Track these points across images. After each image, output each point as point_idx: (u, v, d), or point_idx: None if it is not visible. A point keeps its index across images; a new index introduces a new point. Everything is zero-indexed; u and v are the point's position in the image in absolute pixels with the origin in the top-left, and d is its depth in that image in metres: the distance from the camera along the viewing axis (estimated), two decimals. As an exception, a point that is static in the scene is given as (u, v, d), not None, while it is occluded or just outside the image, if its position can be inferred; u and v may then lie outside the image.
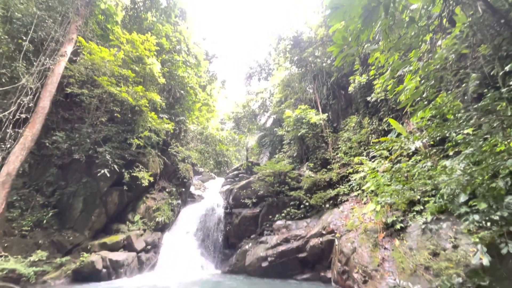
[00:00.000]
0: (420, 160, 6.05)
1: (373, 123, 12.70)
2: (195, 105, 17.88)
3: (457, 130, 4.90)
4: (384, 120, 11.98)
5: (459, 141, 4.72)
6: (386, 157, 10.24)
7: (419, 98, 4.57)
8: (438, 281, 5.31)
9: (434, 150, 6.76)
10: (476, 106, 3.75)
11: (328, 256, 9.95)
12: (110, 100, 12.29)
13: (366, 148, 12.55)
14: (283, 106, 19.48)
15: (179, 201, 15.34)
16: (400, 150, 9.31)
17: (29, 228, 9.54)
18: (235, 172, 21.87)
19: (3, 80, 10.00)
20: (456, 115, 4.41)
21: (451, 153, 5.85)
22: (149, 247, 11.75)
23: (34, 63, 10.65)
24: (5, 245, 8.65)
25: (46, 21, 11.15)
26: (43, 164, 11.04)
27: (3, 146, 9.33)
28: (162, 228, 13.27)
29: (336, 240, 9.67)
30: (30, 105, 10.08)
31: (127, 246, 10.90)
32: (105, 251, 10.10)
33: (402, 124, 10.65)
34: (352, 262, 8.25)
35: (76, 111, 12.28)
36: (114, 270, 9.66)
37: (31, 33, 10.48)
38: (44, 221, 9.97)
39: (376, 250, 8.04)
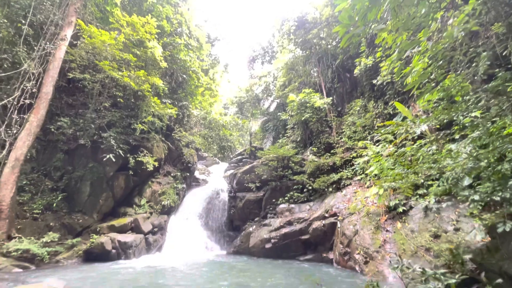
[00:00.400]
0: (425, 144, 5.98)
1: (378, 107, 12.51)
2: (198, 90, 17.72)
3: (464, 113, 4.80)
4: (389, 103, 11.77)
5: (466, 124, 4.63)
6: (391, 141, 10.15)
7: (426, 80, 4.44)
8: (440, 260, 5.41)
9: (440, 134, 6.66)
10: (485, 87, 3.63)
11: (330, 238, 10.16)
12: (112, 85, 12.22)
13: (371, 132, 12.44)
14: (286, 90, 19.21)
15: (184, 185, 15.60)
16: (405, 134, 9.22)
17: (40, 211, 9.85)
18: (239, 157, 22.00)
19: (5, 66, 9.96)
20: (465, 97, 4.30)
21: (457, 137, 5.77)
22: (156, 229, 12.10)
23: (35, 48, 10.54)
24: (18, 227, 8.98)
25: (45, 3, 10.90)
26: (50, 149, 11.20)
27: (9, 131, 9.45)
28: (168, 211, 13.60)
29: (338, 222, 9.83)
30: (33, 91, 10.09)
31: (135, 228, 11.23)
32: (113, 233, 10.44)
33: (408, 107, 10.46)
34: (354, 244, 8.42)
35: (79, 96, 12.27)
36: (123, 251, 10.02)
37: (30, 16, 10.29)
38: (54, 205, 10.26)
39: (377, 232, 8.17)
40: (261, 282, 7.01)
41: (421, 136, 8.10)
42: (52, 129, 10.80)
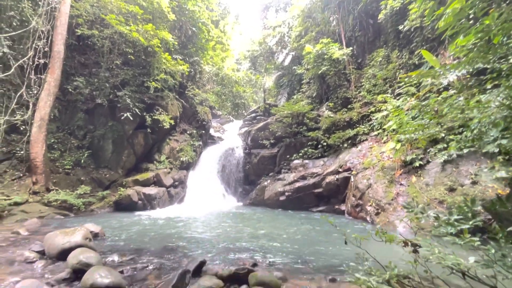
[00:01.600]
0: (451, 96, 5.56)
1: (403, 57, 11.52)
2: (209, 44, 16.92)
3: (501, 61, 4.31)
4: (415, 52, 10.77)
5: (502, 72, 4.18)
6: (413, 94, 9.57)
7: (462, 20, 3.90)
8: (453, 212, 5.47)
9: (471, 81, 6.14)
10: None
11: (343, 191, 10.44)
12: (121, 41, 11.88)
13: (392, 85, 11.72)
14: (303, 41, 17.91)
15: (200, 143, 16.04)
16: (430, 86, 8.59)
17: (70, 167, 10.66)
18: (253, 115, 21.86)
19: (14, 24, 9.81)
20: (505, 40, 3.79)
21: (489, 87, 5.30)
22: (176, 183, 12.90)
23: (39, 3, 10.18)
24: (54, 181, 9.86)
25: (41, -50, 10.13)
26: (70, 109, 11.59)
27: (30, 92, 9.75)
28: (186, 167, 14.28)
29: (352, 177, 9.97)
30: (45, 50, 10.06)
31: (157, 182, 12.02)
32: (138, 187, 11.27)
33: (437, 56, 9.56)
34: (366, 197, 8.64)
35: (91, 55, 12.15)
36: (148, 202, 10.92)
37: (29, -33, 9.70)
38: (82, 161, 11.02)
39: (391, 186, 8.26)
40: (278, 227, 7.54)
41: (448, 88, 7.52)
42: (70, 89, 11.02)
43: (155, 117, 12.48)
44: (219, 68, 18.39)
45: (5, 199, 7.89)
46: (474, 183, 6.52)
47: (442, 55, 9.55)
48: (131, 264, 4.00)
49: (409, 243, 2.26)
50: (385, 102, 10.77)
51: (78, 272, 3.41)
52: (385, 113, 10.20)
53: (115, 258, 4.24)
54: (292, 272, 3.90)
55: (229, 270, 3.56)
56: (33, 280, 3.10)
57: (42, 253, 4.30)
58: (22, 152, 9.52)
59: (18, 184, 9.15)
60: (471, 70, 4.37)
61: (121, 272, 3.59)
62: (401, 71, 11.36)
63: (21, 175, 9.43)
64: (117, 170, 11.95)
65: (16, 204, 8.14)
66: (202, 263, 3.85)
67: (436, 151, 7.75)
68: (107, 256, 4.33)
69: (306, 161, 12.76)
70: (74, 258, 3.60)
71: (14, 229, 5.96)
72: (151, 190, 11.23)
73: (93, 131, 11.83)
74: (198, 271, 3.69)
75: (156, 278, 3.50)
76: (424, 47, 10.17)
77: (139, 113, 11.82)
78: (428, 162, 7.87)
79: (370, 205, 8.33)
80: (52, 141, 10.59)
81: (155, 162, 13.18)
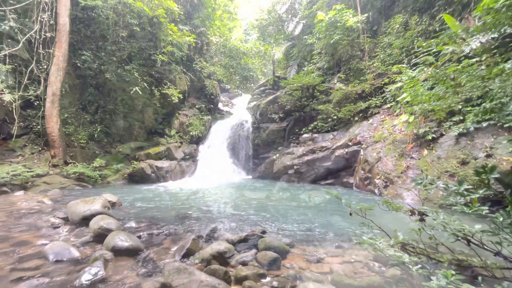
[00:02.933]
0: (472, 64, 5.23)
1: (423, 23, 10.74)
2: (215, 13, 16.21)
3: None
4: (437, 18, 10.00)
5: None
6: (431, 64, 9.05)
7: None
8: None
9: (494, 50, 5.72)
10: None
11: (352, 165, 10.46)
12: (126, 11, 11.53)
13: (408, 54, 11.08)
14: (314, 8, 16.87)
15: (209, 117, 16.07)
16: (450, 54, 8.07)
17: (85, 141, 11.01)
18: (262, 88, 21.44)
19: (17, -4, 9.61)
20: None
21: (515, 53, 4.93)
22: (187, 157, 13.20)
23: (40, -28, 9.83)
24: (71, 154, 10.27)
25: None
26: (81, 84, 11.68)
27: (40, 67, 9.81)
28: (196, 141, 14.49)
29: (361, 150, 9.90)
30: (51, 23, 9.93)
31: (168, 155, 12.34)
32: (150, 160, 11.63)
33: (460, 21, 8.86)
34: (375, 170, 8.63)
35: (96, 28, 11.91)
36: (160, 174, 11.32)
37: None
38: (95, 136, 11.33)
39: (401, 159, 8.18)
40: (286, 199, 7.76)
41: (469, 56, 7.05)
42: (79, 64, 11.01)
43: (164, 91, 12.46)
44: (227, 39, 17.77)
45: (27, 171, 8.35)
46: (488, 156, 6.37)
47: (466, 20, 8.84)
48: (147, 230, 4.26)
49: (416, 212, 2.29)
50: (400, 73, 10.27)
51: (100, 236, 3.68)
52: (399, 84, 9.78)
53: (132, 224, 4.52)
54: (300, 239, 4.07)
55: (239, 236, 3.76)
56: (60, 242, 3.38)
57: (66, 220, 4.63)
58: (38, 127, 9.85)
59: (38, 157, 9.59)
60: (496, 35, 4.06)
61: (139, 237, 3.85)
62: (420, 38, 10.66)
63: (40, 149, 9.84)
64: (130, 144, 12.28)
65: (38, 176, 8.62)
66: (214, 229, 4.06)
67: (451, 124, 7.50)
68: (125, 223, 4.61)
69: (316, 135, 12.68)
70: (95, 223, 3.86)
71: (39, 199, 6.37)
72: (163, 163, 11.57)
73: (104, 106, 11.99)
74: (211, 236, 3.90)
75: (171, 243, 3.74)
76: (447, 11, 9.41)
77: (147, 87, 11.81)
78: (441, 135, 7.67)
79: (379, 178, 8.35)
80: (66, 116, 10.84)
81: (165, 136, 13.42)
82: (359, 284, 2.57)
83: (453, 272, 1.75)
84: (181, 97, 13.31)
